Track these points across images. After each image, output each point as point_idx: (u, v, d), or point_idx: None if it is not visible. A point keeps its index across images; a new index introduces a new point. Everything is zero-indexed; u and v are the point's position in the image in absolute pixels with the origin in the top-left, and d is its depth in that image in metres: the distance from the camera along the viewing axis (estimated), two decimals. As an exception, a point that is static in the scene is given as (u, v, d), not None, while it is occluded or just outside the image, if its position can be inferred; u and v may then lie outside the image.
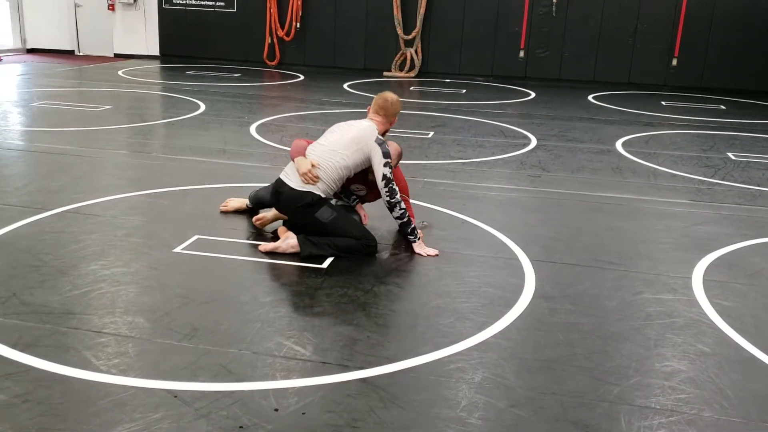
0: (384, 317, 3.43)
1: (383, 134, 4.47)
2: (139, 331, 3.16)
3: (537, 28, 13.31)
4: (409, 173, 5.60)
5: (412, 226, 4.30)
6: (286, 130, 7.93)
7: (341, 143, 4.28)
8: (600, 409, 2.72)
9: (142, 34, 15.05)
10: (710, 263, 4.30)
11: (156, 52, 14.97)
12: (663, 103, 11.38)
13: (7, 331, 3.11)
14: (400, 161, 4.74)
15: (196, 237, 4.35)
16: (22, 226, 4.45)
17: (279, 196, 4.26)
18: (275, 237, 4.39)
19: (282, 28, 14.11)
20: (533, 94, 11.70)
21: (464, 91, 11.95)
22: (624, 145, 7.83)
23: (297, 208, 4.17)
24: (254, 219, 4.59)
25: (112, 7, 14.97)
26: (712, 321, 3.52)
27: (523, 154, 7.19)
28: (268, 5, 13.98)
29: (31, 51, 15.71)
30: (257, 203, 4.81)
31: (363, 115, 4.70)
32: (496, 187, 5.84)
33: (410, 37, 13.67)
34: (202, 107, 9.21)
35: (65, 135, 7.20)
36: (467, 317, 3.45)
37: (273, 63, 14.34)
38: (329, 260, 4.08)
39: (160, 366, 2.87)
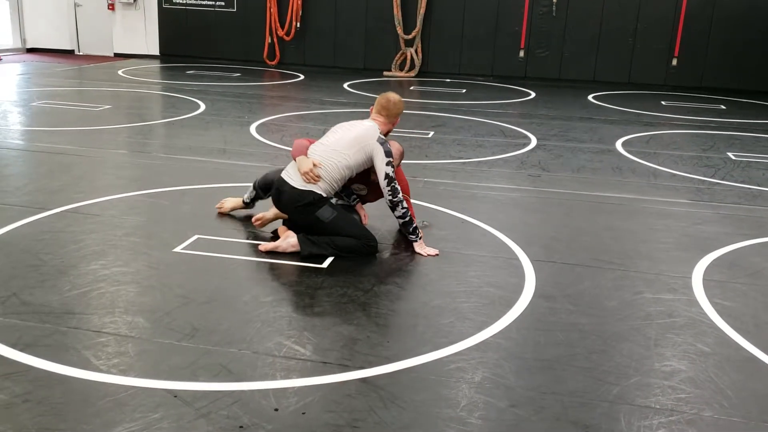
0: (384, 317, 3.43)
1: (386, 135, 4.45)
2: (139, 330, 3.16)
3: (537, 27, 13.31)
4: (410, 173, 5.60)
5: (414, 225, 4.30)
6: (286, 130, 7.93)
7: (343, 143, 4.27)
8: (600, 408, 2.72)
9: (142, 33, 15.04)
10: (710, 263, 4.30)
11: (156, 51, 14.97)
12: (663, 102, 11.37)
13: (7, 331, 3.11)
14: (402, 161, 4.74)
15: (196, 237, 4.35)
16: (22, 225, 4.45)
17: (280, 195, 4.26)
18: (275, 237, 4.39)
19: (282, 27, 14.11)
20: (533, 94, 11.70)
21: (464, 90, 11.95)
22: (624, 144, 7.83)
23: (298, 207, 4.17)
24: (254, 219, 4.58)
25: (112, 6, 14.97)
26: (712, 321, 3.52)
27: (523, 153, 7.19)
28: (268, 5, 13.97)
29: (30, 51, 15.70)
30: (264, 187, 4.68)
31: (363, 115, 4.70)
32: (497, 187, 5.84)
33: (410, 36, 13.67)
34: (202, 107, 9.20)
35: (65, 135, 7.20)
36: (467, 317, 3.45)
37: (273, 63, 14.34)
38: (329, 260, 4.07)
39: (160, 366, 2.87)
